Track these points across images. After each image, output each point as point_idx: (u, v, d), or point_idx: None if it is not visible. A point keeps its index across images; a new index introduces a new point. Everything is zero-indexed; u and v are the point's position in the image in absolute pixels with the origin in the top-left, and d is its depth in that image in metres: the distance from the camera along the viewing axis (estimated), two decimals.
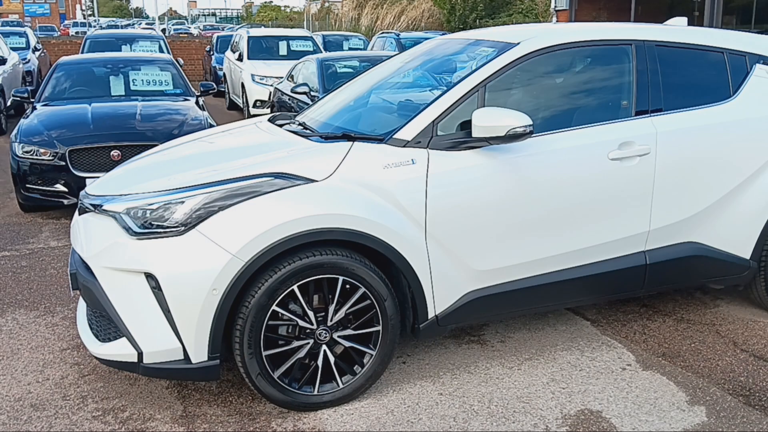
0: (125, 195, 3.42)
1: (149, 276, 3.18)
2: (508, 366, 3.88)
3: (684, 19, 4.81)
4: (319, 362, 3.39)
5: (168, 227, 3.21)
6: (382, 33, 24.11)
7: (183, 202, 3.23)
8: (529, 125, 3.43)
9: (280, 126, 4.18)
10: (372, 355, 3.48)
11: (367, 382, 3.50)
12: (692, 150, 3.96)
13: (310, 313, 3.34)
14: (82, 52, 14.06)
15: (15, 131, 7.29)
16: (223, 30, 37.34)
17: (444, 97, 3.61)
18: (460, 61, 4.25)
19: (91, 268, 3.36)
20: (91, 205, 3.56)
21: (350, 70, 10.21)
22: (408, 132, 3.52)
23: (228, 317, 3.22)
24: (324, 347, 3.39)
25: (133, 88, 8.80)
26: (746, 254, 4.19)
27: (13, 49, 17.82)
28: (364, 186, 3.37)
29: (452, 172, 3.50)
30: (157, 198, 3.29)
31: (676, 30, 4.26)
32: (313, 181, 3.34)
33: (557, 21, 24.77)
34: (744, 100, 4.13)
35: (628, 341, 4.16)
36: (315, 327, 3.36)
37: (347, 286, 3.38)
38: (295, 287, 3.27)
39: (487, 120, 3.43)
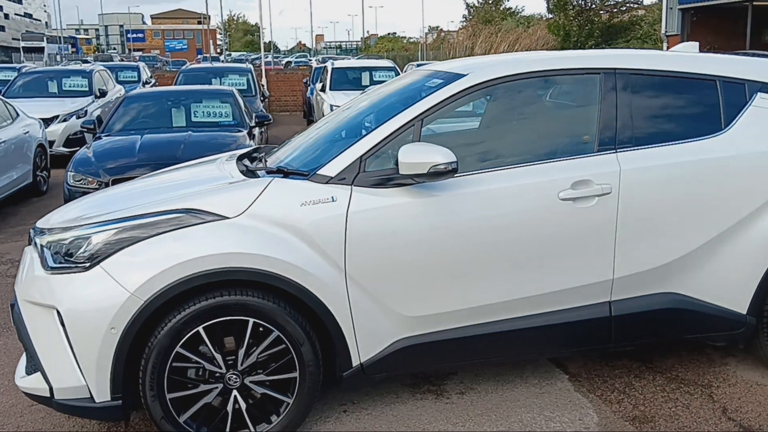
0: (50, 228, 3.44)
1: (58, 311, 3.17)
2: (452, 422, 3.57)
3: (695, 44, 4.37)
4: (229, 408, 3.24)
5: (76, 263, 3.19)
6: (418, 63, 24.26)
7: (89, 238, 3.20)
8: (453, 162, 3.17)
9: (242, 161, 4.07)
10: (288, 403, 3.30)
11: (283, 430, 3.31)
12: (667, 189, 3.53)
13: (218, 357, 3.21)
14: (175, 84, 14.78)
15: (71, 161, 7.68)
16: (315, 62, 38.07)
17: (375, 132, 3.41)
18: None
19: (18, 300, 3.40)
20: (31, 237, 3.61)
21: None
22: (332, 168, 3.35)
23: (133, 357, 3.15)
24: (235, 393, 3.24)
25: (194, 119, 9.07)
26: (741, 309, 3.68)
27: (125, 82, 19.04)
28: (278, 224, 3.22)
29: (376, 211, 3.29)
30: (70, 233, 3.28)
31: (659, 56, 3.85)
32: (224, 218, 3.22)
33: (668, 47, 23.63)
34: (738, 133, 3.65)
35: (600, 401, 3.74)
36: (224, 371, 3.22)
37: (260, 329, 3.23)
38: (200, 329, 3.15)
39: (412, 156, 3.21)
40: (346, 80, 14.98)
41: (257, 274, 3.15)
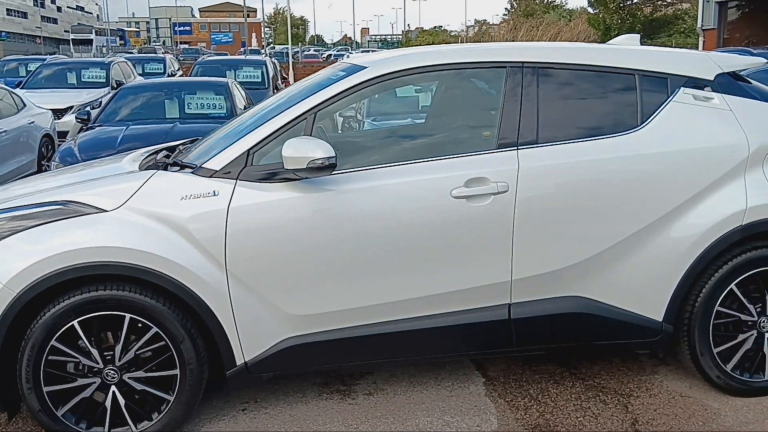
0: None
1: None
2: (348, 424, 3.48)
3: (636, 37, 4.15)
4: (108, 404, 3.20)
5: None
6: None
7: None
8: (331, 157, 3.06)
9: (147, 156, 4.00)
10: (170, 401, 3.24)
11: (164, 428, 3.25)
12: (570, 189, 3.35)
13: (95, 352, 3.17)
14: (190, 75, 14.88)
15: (56, 152, 7.78)
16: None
17: (265, 125, 3.33)
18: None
19: None
20: None
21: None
22: (218, 161, 3.27)
23: (10, 349, 3.13)
24: (113, 388, 3.20)
25: (187, 111, 9.09)
26: (657, 315, 3.48)
27: (151, 74, 19.27)
28: (157, 218, 3.16)
29: (259, 206, 3.20)
30: None
31: (571, 49, 3.67)
32: (102, 210, 3.18)
33: (704, 41, 22.94)
34: (655, 131, 3.45)
35: (507, 407, 3.60)
36: (102, 366, 3.18)
37: (139, 325, 3.18)
38: (75, 323, 3.12)
39: (292, 150, 3.11)
40: None
41: (132, 270, 3.10)
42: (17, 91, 13.67)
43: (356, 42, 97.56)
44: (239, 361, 3.27)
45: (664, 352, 3.71)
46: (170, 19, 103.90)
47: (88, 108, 11.01)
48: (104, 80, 14.69)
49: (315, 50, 63.08)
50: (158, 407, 3.25)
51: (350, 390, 3.81)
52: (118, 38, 77.13)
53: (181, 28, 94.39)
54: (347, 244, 3.23)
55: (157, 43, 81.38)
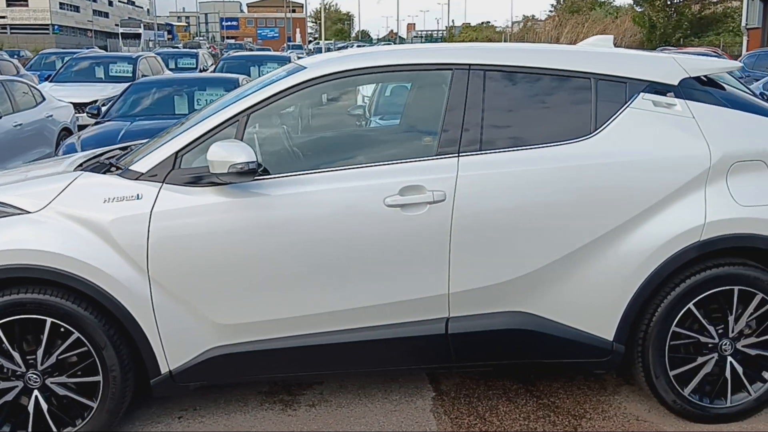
0: None
1: None
2: None
3: (609, 38, 3.94)
4: (30, 408, 3.15)
5: None
6: None
7: None
8: (251, 162, 2.95)
9: (94, 157, 3.92)
10: (93, 407, 3.17)
11: None
12: (511, 199, 3.16)
13: (17, 355, 3.12)
14: (215, 71, 14.95)
15: (59, 147, 7.84)
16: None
17: (196, 127, 3.23)
18: None
19: None
20: None
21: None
22: (144, 164, 3.18)
23: None
24: (36, 393, 3.15)
25: (197, 107, 9.09)
26: (607, 335, 3.28)
27: (183, 69, 19.45)
28: (80, 221, 3.09)
29: (184, 211, 3.10)
30: None
31: (524, 51, 3.47)
32: (26, 212, 3.12)
33: (748, 40, 22.18)
34: (608, 139, 3.24)
35: (451, 424, 3.44)
36: (24, 370, 3.13)
37: (62, 330, 3.11)
38: None
39: (216, 154, 3.00)
40: None
41: (52, 273, 3.03)
42: (44, 84, 13.93)
43: (400, 37, 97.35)
44: (164, 370, 3.18)
45: (618, 373, 3.49)
46: (218, 14, 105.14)
47: (99, 103, 11.10)
48: (131, 75, 14.83)
49: (358, 46, 63.18)
50: (82, 413, 3.19)
51: (294, 400, 3.70)
52: (166, 33, 78.46)
53: (228, 23, 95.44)
54: (274, 253, 3.11)
55: (203, 39, 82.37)
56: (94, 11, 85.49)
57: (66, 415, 3.19)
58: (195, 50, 21.56)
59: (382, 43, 70.87)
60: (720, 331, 3.34)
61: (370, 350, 3.25)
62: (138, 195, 3.11)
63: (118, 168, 3.35)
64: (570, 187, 3.19)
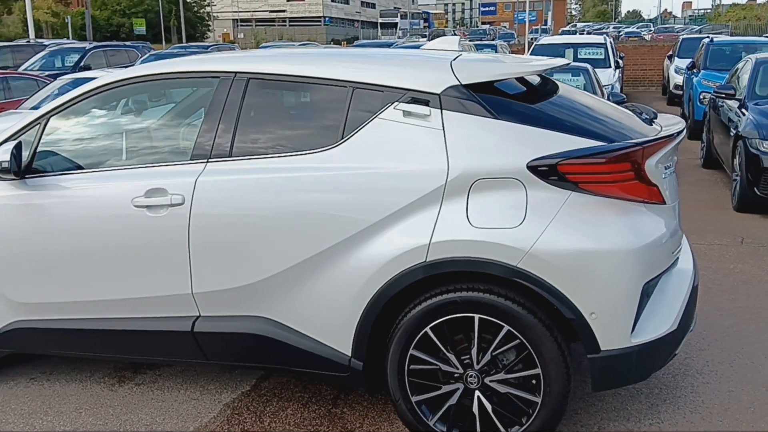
0: None
1: None
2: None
3: (455, 39, 3.73)
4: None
5: None
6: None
7: None
8: (3, 162, 3.37)
9: None
10: None
11: None
12: (245, 205, 3.21)
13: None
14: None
15: None
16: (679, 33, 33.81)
17: (17, 124, 3.70)
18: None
19: None
20: None
21: None
22: None
23: None
24: None
25: None
26: (345, 349, 3.20)
27: None
28: None
29: None
30: None
31: (289, 58, 3.42)
32: None
33: None
34: (348, 150, 3.13)
35: (226, 423, 3.58)
36: None
37: None
38: None
39: None
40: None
41: None
42: None
43: (674, 16, 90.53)
44: None
45: (366, 390, 3.36)
46: None
47: None
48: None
49: (615, 29, 59.49)
50: None
51: (130, 378, 4.05)
52: (422, 20, 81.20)
53: (485, 9, 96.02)
54: (45, 245, 3.52)
55: (456, 27, 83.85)
56: (362, 2, 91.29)
57: None
58: (392, 40, 22.35)
59: (639, 24, 66.34)
60: (465, 362, 3.09)
61: (133, 340, 3.54)
62: None
63: None
64: (302, 197, 3.16)
